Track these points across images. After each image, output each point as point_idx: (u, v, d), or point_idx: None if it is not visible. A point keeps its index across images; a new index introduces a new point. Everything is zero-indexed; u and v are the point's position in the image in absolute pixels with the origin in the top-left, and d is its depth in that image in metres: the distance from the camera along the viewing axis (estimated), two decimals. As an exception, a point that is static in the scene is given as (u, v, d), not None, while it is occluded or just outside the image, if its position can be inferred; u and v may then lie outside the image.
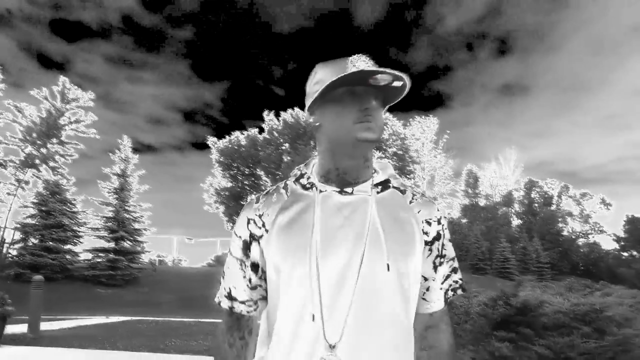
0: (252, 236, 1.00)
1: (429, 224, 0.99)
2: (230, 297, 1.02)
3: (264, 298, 1.02)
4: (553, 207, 51.21)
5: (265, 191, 1.06)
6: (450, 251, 1.04)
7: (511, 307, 4.10)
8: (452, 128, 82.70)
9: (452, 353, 1.01)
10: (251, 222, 1.00)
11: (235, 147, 39.25)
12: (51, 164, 26.93)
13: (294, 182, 1.03)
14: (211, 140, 40.10)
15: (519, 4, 67.96)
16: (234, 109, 79.70)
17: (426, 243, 0.98)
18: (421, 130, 45.65)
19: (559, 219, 50.27)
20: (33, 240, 22.76)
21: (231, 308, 1.02)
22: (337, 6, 75.40)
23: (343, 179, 0.98)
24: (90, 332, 9.04)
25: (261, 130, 39.94)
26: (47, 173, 26.55)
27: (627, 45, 67.26)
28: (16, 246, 22.88)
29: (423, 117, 46.29)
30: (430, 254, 1.00)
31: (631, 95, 71.21)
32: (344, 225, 0.92)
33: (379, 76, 0.90)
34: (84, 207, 25.35)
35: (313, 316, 0.87)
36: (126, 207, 25.67)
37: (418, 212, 0.99)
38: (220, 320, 1.06)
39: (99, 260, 23.57)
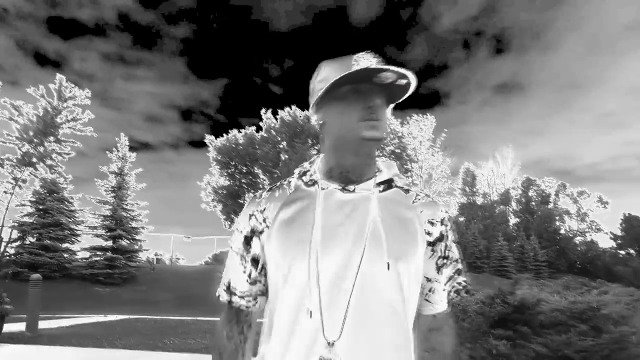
0: (253, 231, 1.00)
1: (432, 224, 0.98)
2: (229, 290, 1.03)
3: (264, 294, 1.02)
4: (550, 206, 51.34)
5: (270, 187, 1.06)
6: (454, 253, 1.02)
7: (508, 305, 4.11)
8: (449, 126, 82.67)
9: (454, 356, 1.00)
10: (253, 216, 1.01)
11: (233, 146, 39.23)
12: (48, 162, 26.91)
13: (297, 178, 1.03)
14: (209, 138, 40.14)
15: (515, 2, 68.02)
16: (231, 107, 79.68)
17: (429, 243, 0.97)
18: (418, 128, 45.67)
19: (556, 217, 50.43)
20: (30, 239, 22.75)
21: (230, 302, 1.02)
22: (334, 4, 75.40)
23: (346, 176, 0.97)
24: (89, 331, 9.03)
25: (259, 129, 39.98)
26: (45, 171, 26.52)
27: (622, 44, 67.35)
28: (14, 245, 22.86)
29: (420, 115, 46.43)
30: (433, 254, 0.99)
31: (627, 94, 71.48)
32: (345, 223, 0.92)
33: (383, 74, 0.89)
34: (81, 205, 25.44)
35: (310, 312, 0.87)
36: (124, 206, 25.66)
37: (421, 212, 0.98)
38: (218, 318, 1.06)
39: (97, 258, 23.58)
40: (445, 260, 1.00)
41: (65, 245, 23.44)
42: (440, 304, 1.01)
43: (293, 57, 77.66)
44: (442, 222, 1.00)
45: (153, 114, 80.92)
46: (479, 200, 51.18)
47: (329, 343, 0.85)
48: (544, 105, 78.61)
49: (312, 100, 0.99)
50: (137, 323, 11.10)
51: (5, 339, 7.06)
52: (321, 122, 1.00)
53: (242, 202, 38.11)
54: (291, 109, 38.40)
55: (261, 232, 0.99)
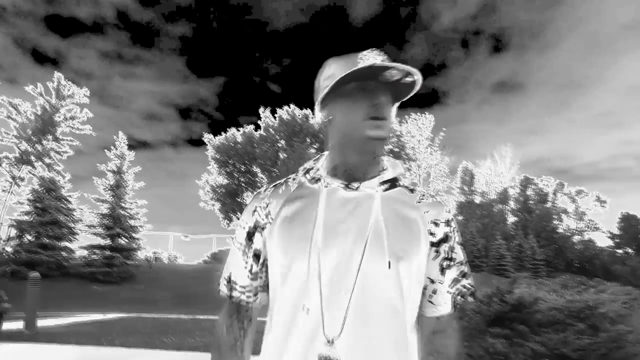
0: (256, 226, 1.01)
1: (437, 225, 0.97)
2: (230, 283, 1.03)
3: (265, 289, 1.03)
4: (548, 205, 51.33)
5: (274, 183, 1.07)
6: (459, 255, 1.01)
7: (506, 304, 4.12)
8: (448, 125, 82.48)
9: (458, 359, 0.98)
10: (256, 211, 1.01)
11: (231, 144, 39.14)
12: (46, 160, 26.85)
13: (302, 175, 1.04)
14: (207, 136, 40.02)
15: (514, 1, 68.20)
16: (230, 105, 79.63)
17: (432, 244, 0.96)
18: (417, 127, 45.69)
19: (554, 217, 50.45)
20: (29, 237, 22.66)
21: (230, 296, 1.02)
22: (333, 3, 75.27)
23: (350, 174, 0.97)
24: (87, 329, 9.03)
25: (257, 127, 39.90)
26: (43, 170, 26.46)
27: (621, 43, 67.47)
28: (12, 243, 22.76)
29: (419, 114, 46.44)
30: (437, 255, 0.97)
31: (626, 93, 71.58)
32: (347, 221, 0.91)
33: (389, 72, 0.89)
34: (79, 204, 25.29)
35: (308, 309, 0.87)
36: (122, 204, 25.57)
37: (425, 212, 0.97)
38: (217, 317, 1.06)
39: (95, 257, 23.50)
40: (449, 262, 0.99)
41: (63, 243, 23.34)
42: (443, 306, 0.99)
43: (292, 55, 77.68)
44: (447, 223, 0.99)
45: (151, 113, 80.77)
46: (477, 199, 51.17)
47: (328, 341, 0.85)
48: (542, 105, 78.85)
49: (318, 97, 0.98)
50: (135, 321, 11.09)
51: (3, 337, 7.06)
52: (326, 119, 0.99)
53: (240, 200, 38.04)
54: (290, 108, 38.37)
55: (264, 228, 0.99)
